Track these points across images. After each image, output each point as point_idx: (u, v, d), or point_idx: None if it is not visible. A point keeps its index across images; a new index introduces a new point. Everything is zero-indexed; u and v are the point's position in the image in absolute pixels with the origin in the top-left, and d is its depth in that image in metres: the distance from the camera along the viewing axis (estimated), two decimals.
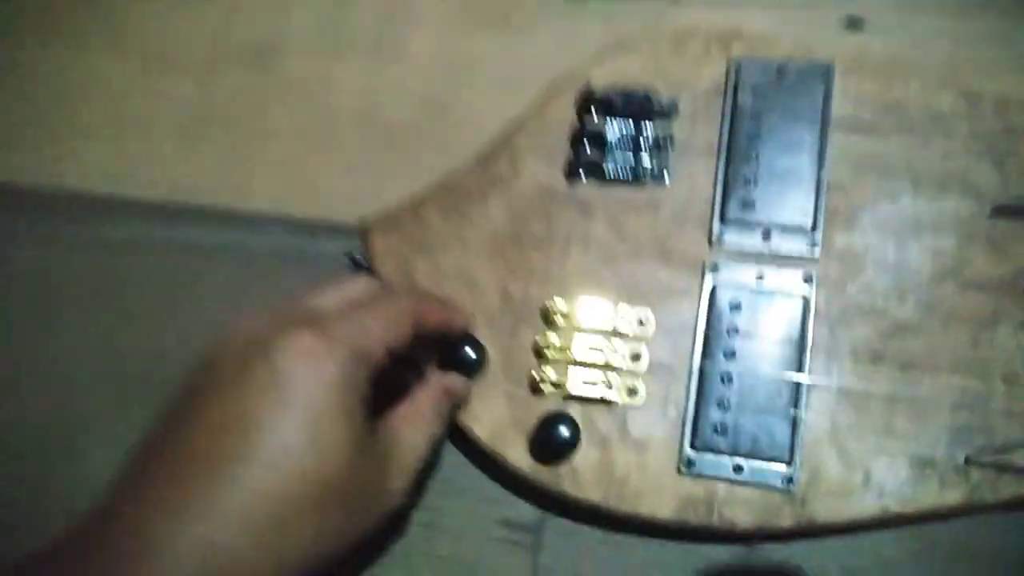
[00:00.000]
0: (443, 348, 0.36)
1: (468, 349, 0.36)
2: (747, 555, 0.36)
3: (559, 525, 0.37)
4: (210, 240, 0.44)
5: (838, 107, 0.38)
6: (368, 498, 0.29)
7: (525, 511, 0.37)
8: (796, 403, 0.35)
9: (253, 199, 0.45)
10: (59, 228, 0.46)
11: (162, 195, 0.45)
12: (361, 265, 0.40)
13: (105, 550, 0.25)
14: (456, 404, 0.35)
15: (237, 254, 0.44)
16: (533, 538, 0.37)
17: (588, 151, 0.38)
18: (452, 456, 0.38)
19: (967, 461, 0.33)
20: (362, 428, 0.29)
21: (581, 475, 0.35)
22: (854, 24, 0.42)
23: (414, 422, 0.32)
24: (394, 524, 0.37)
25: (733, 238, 0.37)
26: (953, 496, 0.33)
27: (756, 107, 0.38)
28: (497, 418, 0.36)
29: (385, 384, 0.35)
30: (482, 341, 0.36)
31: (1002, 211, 0.36)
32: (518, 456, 0.35)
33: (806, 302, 0.36)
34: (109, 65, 0.48)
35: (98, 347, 0.43)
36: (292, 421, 0.26)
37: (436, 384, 0.34)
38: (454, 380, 0.35)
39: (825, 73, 0.38)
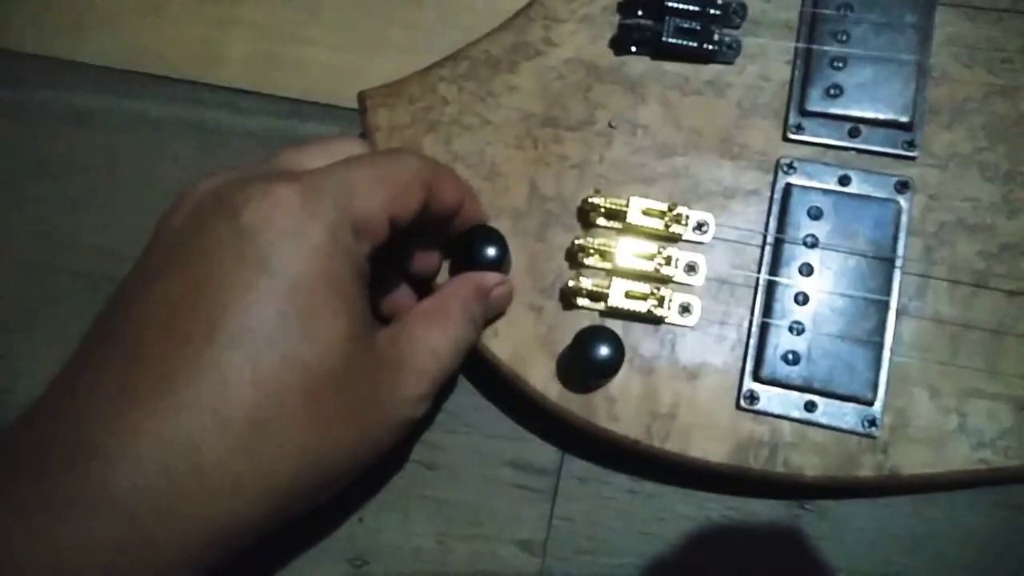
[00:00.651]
0: (456, 244, 0.29)
1: (488, 246, 0.29)
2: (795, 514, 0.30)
3: (580, 469, 0.31)
4: (174, 115, 0.37)
5: None
6: (374, 403, 0.22)
7: (541, 452, 0.32)
8: (882, 331, 0.29)
9: (226, 70, 0.37)
10: None
11: (118, 62, 0.38)
12: None
13: (43, 457, 0.19)
14: (491, 309, 0.29)
15: (203, 132, 0.36)
16: (549, 483, 0.31)
17: (641, 18, 0.31)
18: (456, 384, 0.32)
19: None
20: (362, 313, 0.22)
21: (620, 406, 0.29)
22: None
23: (436, 321, 0.25)
24: (387, 462, 0.31)
25: (814, 132, 0.31)
26: None
27: None
28: (520, 335, 0.29)
29: (385, 284, 0.28)
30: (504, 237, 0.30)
31: None
32: (544, 381, 0.29)
33: (899, 212, 0.30)
34: None
35: (32, 236, 0.36)
36: (267, 295, 0.20)
37: (468, 280, 0.27)
38: (490, 278, 0.28)
39: None
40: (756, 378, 0.29)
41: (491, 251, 0.29)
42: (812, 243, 0.30)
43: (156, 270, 0.21)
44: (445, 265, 0.30)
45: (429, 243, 0.28)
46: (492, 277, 0.28)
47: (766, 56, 0.31)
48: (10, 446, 0.19)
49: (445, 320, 0.25)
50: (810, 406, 0.28)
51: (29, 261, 0.36)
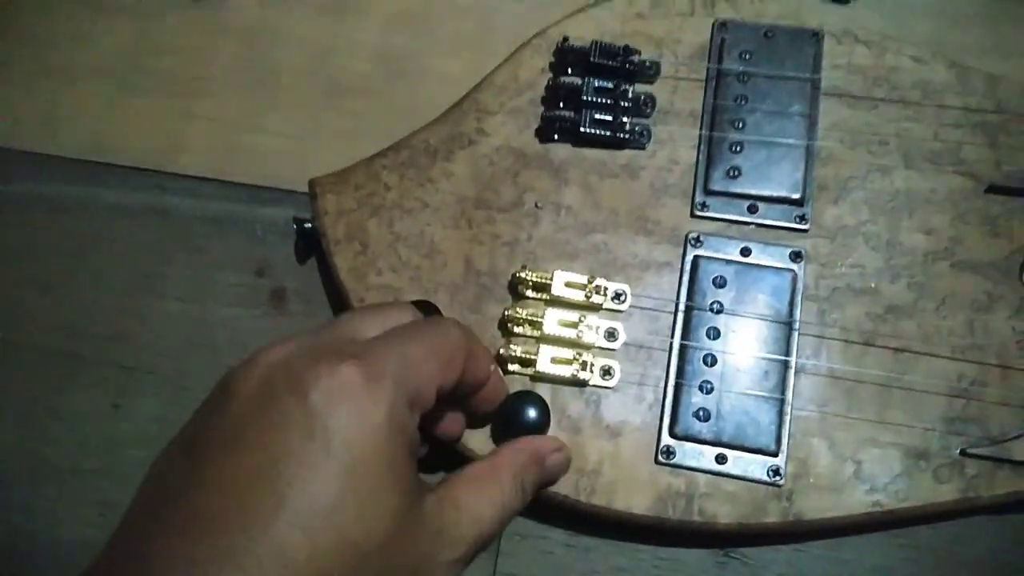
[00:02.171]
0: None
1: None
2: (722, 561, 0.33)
3: (519, 526, 0.34)
4: (135, 201, 0.40)
5: (828, 75, 0.35)
6: (413, 569, 0.24)
7: None
8: (784, 388, 0.32)
9: (188, 159, 0.40)
10: None
11: (88, 154, 0.41)
12: (310, 232, 0.36)
13: None
14: (546, 476, 0.30)
15: (166, 218, 0.39)
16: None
17: (563, 111, 0.35)
18: None
19: (963, 454, 0.31)
20: (410, 486, 0.23)
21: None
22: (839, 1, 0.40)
23: (485, 487, 0.26)
24: None
25: (717, 209, 0.34)
26: (948, 491, 0.31)
27: (742, 71, 0.35)
28: None
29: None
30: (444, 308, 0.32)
31: (997, 190, 0.34)
32: (478, 442, 0.32)
33: (795, 279, 0.33)
34: (34, 4, 0.43)
35: (5, 315, 0.38)
36: (329, 474, 0.21)
37: (524, 446, 0.29)
38: (547, 443, 0.30)
39: (815, 39, 0.36)
40: (672, 434, 0.32)
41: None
42: (718, 309, 0.33)
43: (229, 438, 0.22)
44: None
45: (454, 410, 0.30)
46: (549, 443, 0.30)
47: (674, 142, 0.35)
48: None
49: (494, 487, 0.26)
50: (721, 459, 0.31)
51: (1, 338, 0.38)
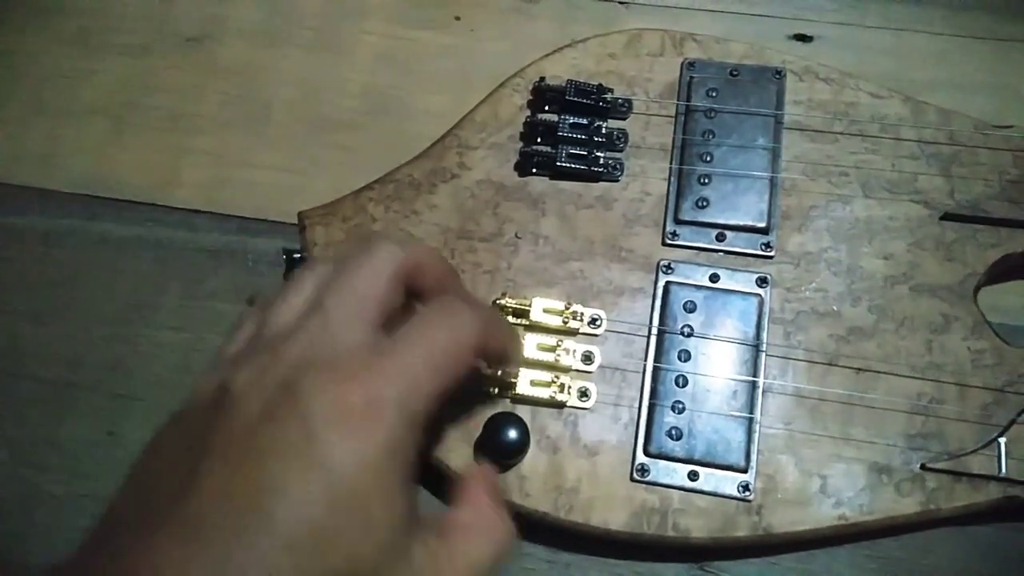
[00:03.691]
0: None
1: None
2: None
3: None
4: (130, 233, 0.41)
5: (791, 110, 0.37)
6: None
7: None
8: (752, 407, 0.33)
9: (181, 192, 0.42)
10: None
11: (84, 188, 0.42)
12: (299, 263, 0.37)
13: None
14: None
15: (160, 249, 0.41)
16: None
17: (540, 145, 0.37)
18: None
19: (923, 468, 0.33)
20: (402, 521, 0.22)
21: (529, 483, 0.33)
22: (802, 39, 0.43)
23: (479, 531, 0.25)
24: None
25: (687, 238, 0.36)
26: (909, 505, 0.32)
27: (710, 108, 0.37)
28: (440, 422, 0.33)
29: None
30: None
31: (951, 217, 0.36)
32: (463, 464, 0.33)
33: (761, 303, 0.35)
34: (32, 44, 0.45)
35: (1, 346, 0.39)
36: (320, 499, 0.21)
37: (492, 482, 0.27)
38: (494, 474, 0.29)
39: (777, 76, 0.38)
40: (646, 452, 0.33)
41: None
42: (688, 333, 0.34)
43: (231, 451, 0.22)
44: None
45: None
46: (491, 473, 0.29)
47: (646, 175, 0.37)
48: None
49: (487, 529, 0.25)
50: (693, 475, 0.33)
51: None
